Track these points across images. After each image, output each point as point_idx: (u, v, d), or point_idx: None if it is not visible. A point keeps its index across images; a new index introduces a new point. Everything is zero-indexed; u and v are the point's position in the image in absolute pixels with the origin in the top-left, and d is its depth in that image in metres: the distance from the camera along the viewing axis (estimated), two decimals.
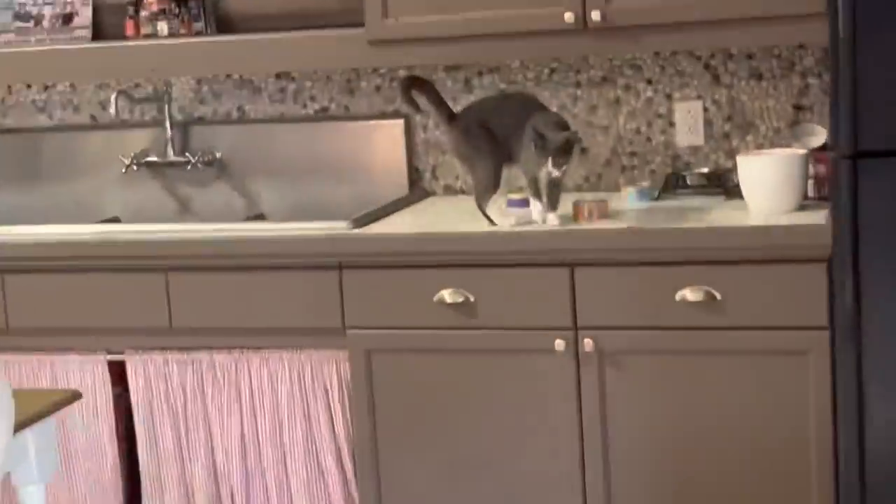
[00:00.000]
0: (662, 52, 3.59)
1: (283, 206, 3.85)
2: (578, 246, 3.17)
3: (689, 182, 3.50)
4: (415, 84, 3.41)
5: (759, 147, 3.55)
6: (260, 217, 3.85)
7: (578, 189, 3.68)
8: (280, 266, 3.36)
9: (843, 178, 2.78)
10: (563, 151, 3.16)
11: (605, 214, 3.27)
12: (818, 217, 3.08)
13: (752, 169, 3.18)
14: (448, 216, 3.46)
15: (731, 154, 3.58)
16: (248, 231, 3.41)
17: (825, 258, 3.01)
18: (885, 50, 2.74)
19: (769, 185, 3.15)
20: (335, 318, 3.34)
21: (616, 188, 3.66)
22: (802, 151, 3.20)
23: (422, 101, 3.39)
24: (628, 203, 3.46)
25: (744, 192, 3.22)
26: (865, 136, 2.76)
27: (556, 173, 3.16)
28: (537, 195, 3.23)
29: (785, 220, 3.09)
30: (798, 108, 3.55)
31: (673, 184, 3.52)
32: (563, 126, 3.23)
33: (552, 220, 3.21)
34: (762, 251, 3.06)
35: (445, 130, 3.41)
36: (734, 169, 3.53)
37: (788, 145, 3.50)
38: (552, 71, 3.69)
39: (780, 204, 3.16)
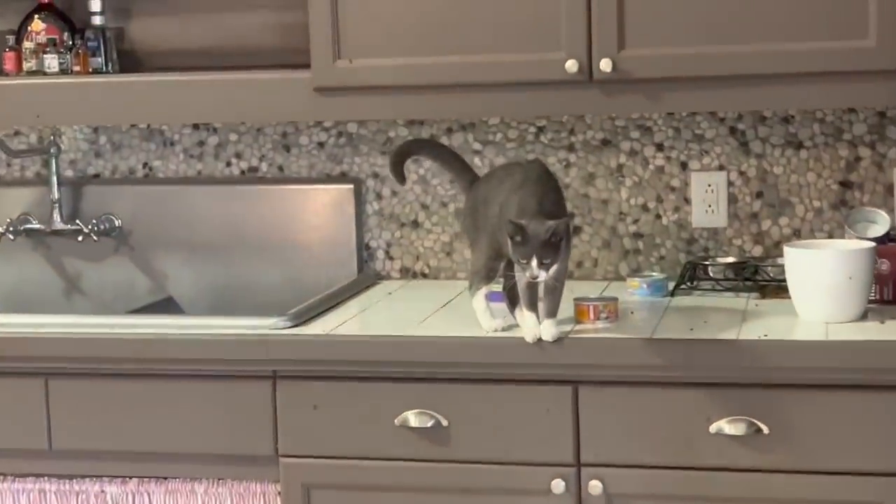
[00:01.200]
0: (678, 112, 2.92)
1: (198, 289, 3.10)
2: (584, 360, 2.46)
3: (711, 274, 2.82)
4: (420, 148, 2.81)
5: (796, 233, 2.88)
6: (168, 302, 3.09)
7: (568, 278, 2.99)
8: (194, 374, 2.59)
9: None
10: (550, 247, 2.38)
11: (614, 317, 2.57)
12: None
13: (806, 263, 2.49)
14: (412, 311, 2.73)
15: (760, 239, 2.91)
16: (153, 328, 2.64)
17: None
18: None
19: (829, 286, 2.47)
20: (265, 442, 2.59)
21: (615, 278, 2.97)
22: (870, 244, 2.53)
23: (428, 163, 2.86)
24: (637, 299, 2.77)
25: (792, 293, 2.53)
26: None
27: (542, 276, 2.39)
28: (528, 302, 2.46)
29: (856, 332, 2.41)
30: (845, 185, 2.89)
31: (690, 275, 2.84)
32: (553, 209, 2.46)
33: (548, 333, 2.45)
34: (827, 373, 2.37)
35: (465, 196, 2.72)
36: (763, 258, 2.88)
37: (834, 233, 2.85)
38: (539, 130, 3.00)
39: (842, 310, 2.47)
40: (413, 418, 2.52)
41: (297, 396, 2.57)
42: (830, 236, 2.87)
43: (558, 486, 2.47)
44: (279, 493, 2.61)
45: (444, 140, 3.05)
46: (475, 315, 2.54)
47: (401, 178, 2.72)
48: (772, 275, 2.76)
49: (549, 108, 2.81)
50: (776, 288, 2.73)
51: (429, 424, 2.51)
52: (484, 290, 2.54)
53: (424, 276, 3.09)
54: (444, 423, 2.51)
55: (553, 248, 2.38)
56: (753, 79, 2.61)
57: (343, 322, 2.67)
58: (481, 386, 2.50)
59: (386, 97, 2.77)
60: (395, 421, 2.52)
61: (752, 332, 2.45)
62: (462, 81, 2.71)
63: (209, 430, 2.60)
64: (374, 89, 2.76)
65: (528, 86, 2.69)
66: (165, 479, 2.65)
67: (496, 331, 2.51)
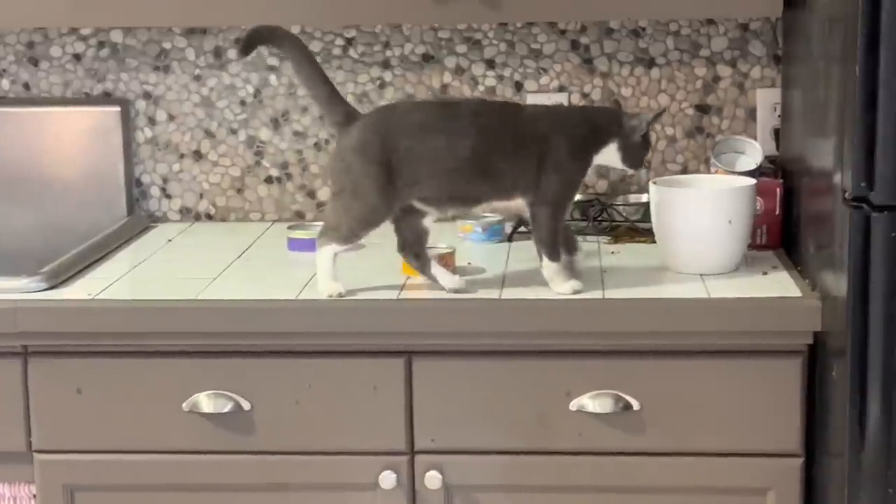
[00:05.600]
0: (512, 23, 2.48)
1: None
2: (417, 326, 2.00)
3: None
4: (284, 45, 2.11)
5: (645, 166, 2.49)
6: None
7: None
8: None
9: (881, 239, 1.73)
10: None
11: (451, 271, 2.12)
12: (784, 283, 2.05)
13: (678, 205, 2.09)
14: (199, 265, 2.22)
15: (605, 173, 2.51)
16: None
17: (801, 349, 1.99)
18: None
19: (706, 232, 2.08)
20: (14, 435, 2.05)
21: (441, 219, 2.52)
22: (751, 181, 2.15)
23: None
24: (470, 245, 2.33)
25: (659, 239, 2.14)
26: None
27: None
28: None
29: (739, 287, 2.02)
30: (702, 109, 2.50)
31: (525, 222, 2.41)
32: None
33: (566, 287, 2.03)
34: (707, 338, 1.99)
35: (335, 135, 2.14)
36: (610, 195, 2.48)
37: (689, 165, 2.48)
38: (348, 42, 2.50)
39: (720, 260, 2.09)
40: (206, 402, 2.02)
41: (54, 378, 2.03)
42: (685, 170, 2.50)
43: (388, 478, 2.02)
44: (34, 496, 2.08)
45: (232, 53, 2.53)
46: (316, 272, 2.04)
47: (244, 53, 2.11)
48: (625, 215, 2.36)
49: (358, 16, 2.32)
50: (629, 230, 2.34)
51: (226, 409, 2.02)
52: (334, 249, 2.03)
53: (210, 217, 2.56)
54: (246, 406, 2.02)
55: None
56: None
57: (112, 282, 2.13)
58: (291, 360, 2.02)
59: None
60: (184, 405, 2.02)
61: (616, 287, 2.05)
62: None
63: None
64: None
65: None
66: None
67: (338, 296, 2.03)
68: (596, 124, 2.08)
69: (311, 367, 2.02)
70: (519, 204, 2.06)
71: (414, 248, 2.07)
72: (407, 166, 2.00)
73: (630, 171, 2.21)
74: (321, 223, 2.33)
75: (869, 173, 1.72)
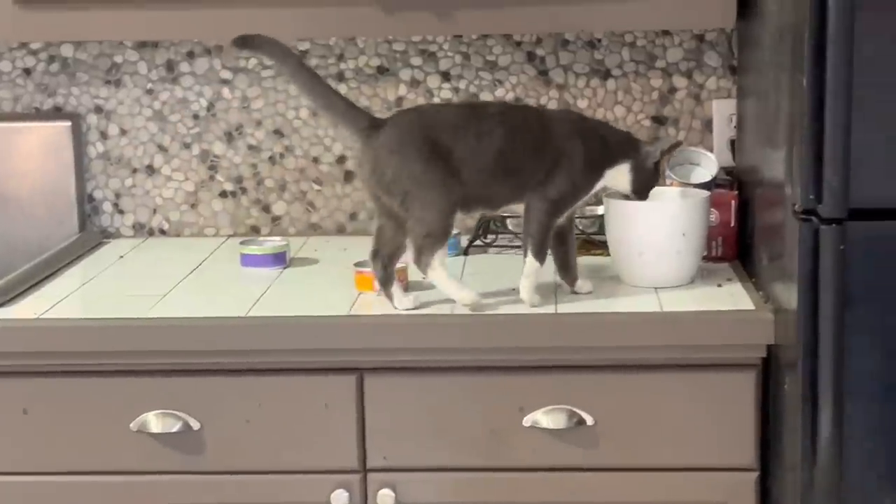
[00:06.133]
0: (467, 35, 2.46)
1: None
2: (369, 343, 1.98)
3: (510, 227, 2.38)
4: (269, 50, 2.04)
5: None
6: None
7: (340, 232, 2.51)
8: None
9: (829, 252, 1.71)
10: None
11: (405, 285, 2.10)
12: (738, 296, 2.03)
13: (631, 217, 2.08)
14: (151, 281, 2.19)
15: None
16: None
17: (755, 363, 1.97)
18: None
19: (660, 244, 2.06)
20: None
21: None
22: (705, 193, 2.13)
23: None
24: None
25: (613, 252, 2.12)
26: (862, 187, 1.70)
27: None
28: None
29: (693, 300, 2.00)
30: (658, 120, 2.49)
31: (485, 228, 2.39)
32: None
33: (531, 296, 2.02)
34: (662, 352, 1.97)
35: (363, 144, 2.02)
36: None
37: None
38: (302, 54, 2.47)
39: (674, 273, 2.08)
40: (155, 421, 1.99)
41: (0, 398, 2.01)
42: None
43: (340, 497, 1.99)
44: None
45: (185, 66, 2.51)
46: (441, 289, 2.00)
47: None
48: (580, 227, 2.35)
49: (313, 28, 2.30)
50: (585, 242, 2.32)
51: (175, 429, 1.99)
52: (441, 258, 1.98)
53: (163, 233, 2.54)
54: (195, 425, 1.99)
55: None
56: None
57: (61, 299, 2.10)
58: (241, 379, 1.99)
59: (108, 11, 2.22)
60: (132, 425, 1.99)
61: (569, 301, 2.03)
62: None
63: None
64: (92, 2, 2.19)
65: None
66: None
67: (481, 306, 1.99)
68: (614, 141, 2.07)
69: (261, 386, 2.00)
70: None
71: (385, 260, 2.04)
72: (448, 163, 1.97)
73: (634, 198, 2.10)
74: (275, 238, 2.34)
75: (817, 186, 1.71)
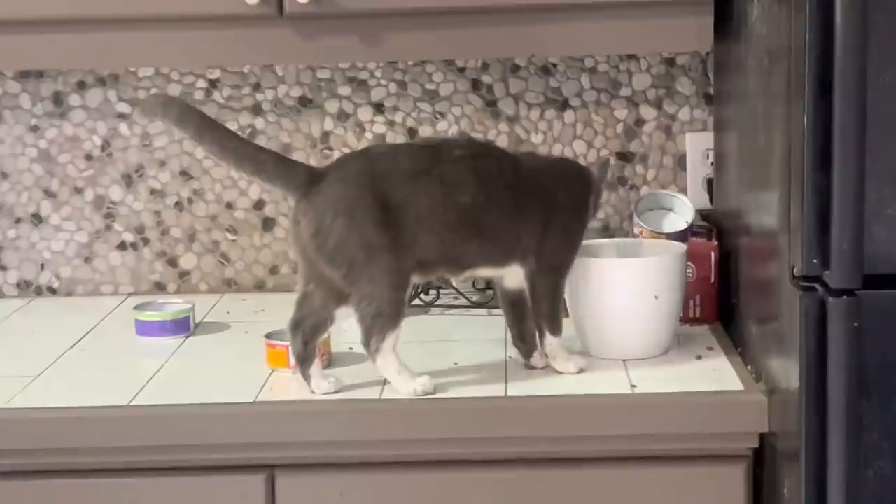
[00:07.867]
0: (402, 60, 2.13)
1: None
2: (281, 436, 1.64)
3: (454, 283, 2.05)
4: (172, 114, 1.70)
5: None
6: None
7: (259, 288, 2.17)
8: None
9: (840, 329, 1.39)
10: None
11: (327, 361, 1.76)
12: (722, 371, 1.70)
13: (595, 279, 1.74)
14: (25, 351, 1.85)
15: None
16: None
17: (744, 454, 1.64)
18: None
19: (629, 310, 1.73)
20: None
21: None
22: (681, 247, 1.81)
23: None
24: (354, 327, 1.97)
25: (575, 319, 1.79)
26: (878, 248, 1.38)
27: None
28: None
29: (670, 378, 1.66)
30: (624, 157, 2.17)
31: (426, 284, 2.06)
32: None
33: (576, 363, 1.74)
34: (632, 443, 1.64)
35: (301, 201, 1.67)
36: None
37: (610, 223, 2.14)
38: (212, 84, 2.14)
39: (646, 343, 1.75)
40: None
41: None
42: (606, 230, 2.15)
43: None
44: None
45: (76, 99, 2.16)
46: (389, 379, 1.66)
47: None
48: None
49: (224, 55, 1.95)
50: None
51: None
52: (392, 341, 1.65)
53: (53, 291, 2.19)
54: None
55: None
56: (501, 14, 1.86)
57: None
58: (126, 480, 1.64)
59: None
60: None
61: (521, 381, 1.70)
62: (98, 16, 1.85)
63: None
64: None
65: (193, 22, 1.85)
66: None
67: (430, 392, 1.66)
68: (585, 175, 1.79)
69: (150, 488, 1.65)
70: (511, 272, 1.72)
71: (307, 335, 1.69)
72: (403, 222, 1.64)
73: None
74: (177, 300, 2.00)
75: (823, 248, 1.38)
